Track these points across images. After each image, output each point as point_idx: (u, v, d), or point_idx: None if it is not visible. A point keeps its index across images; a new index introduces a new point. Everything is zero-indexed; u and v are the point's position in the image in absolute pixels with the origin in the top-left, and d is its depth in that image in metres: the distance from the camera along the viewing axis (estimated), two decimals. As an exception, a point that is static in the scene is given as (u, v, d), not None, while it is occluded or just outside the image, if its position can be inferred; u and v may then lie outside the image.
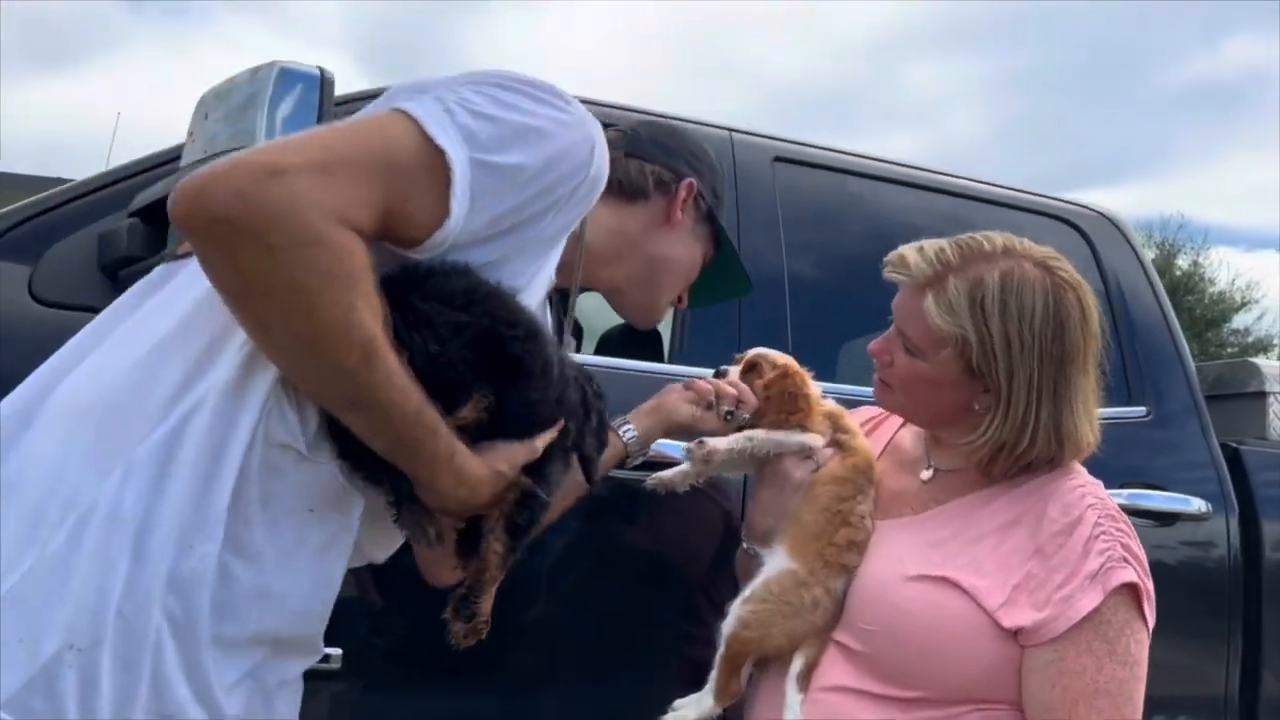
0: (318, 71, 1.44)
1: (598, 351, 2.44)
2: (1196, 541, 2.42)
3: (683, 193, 1.57)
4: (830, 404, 1.63)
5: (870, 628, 1.42)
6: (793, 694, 1.43)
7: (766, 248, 2.26)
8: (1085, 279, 2.53)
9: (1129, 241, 2.75)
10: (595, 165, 1.16)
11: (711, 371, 1.69)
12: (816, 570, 1.46)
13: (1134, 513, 2.30)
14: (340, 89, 1.54)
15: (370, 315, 1.00)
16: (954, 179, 2.64)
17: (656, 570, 1.98)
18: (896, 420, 1.68)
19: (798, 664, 1.44)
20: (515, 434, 1.15)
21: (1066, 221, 2.69)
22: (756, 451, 1.56)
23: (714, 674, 1.48)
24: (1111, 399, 2.43)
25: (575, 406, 1.22)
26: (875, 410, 1.72)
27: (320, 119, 1.42)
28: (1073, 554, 1.38)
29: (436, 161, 1.04)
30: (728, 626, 1.48)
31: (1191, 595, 2.40)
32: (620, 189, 1.51)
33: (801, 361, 2.23)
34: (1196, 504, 2.38)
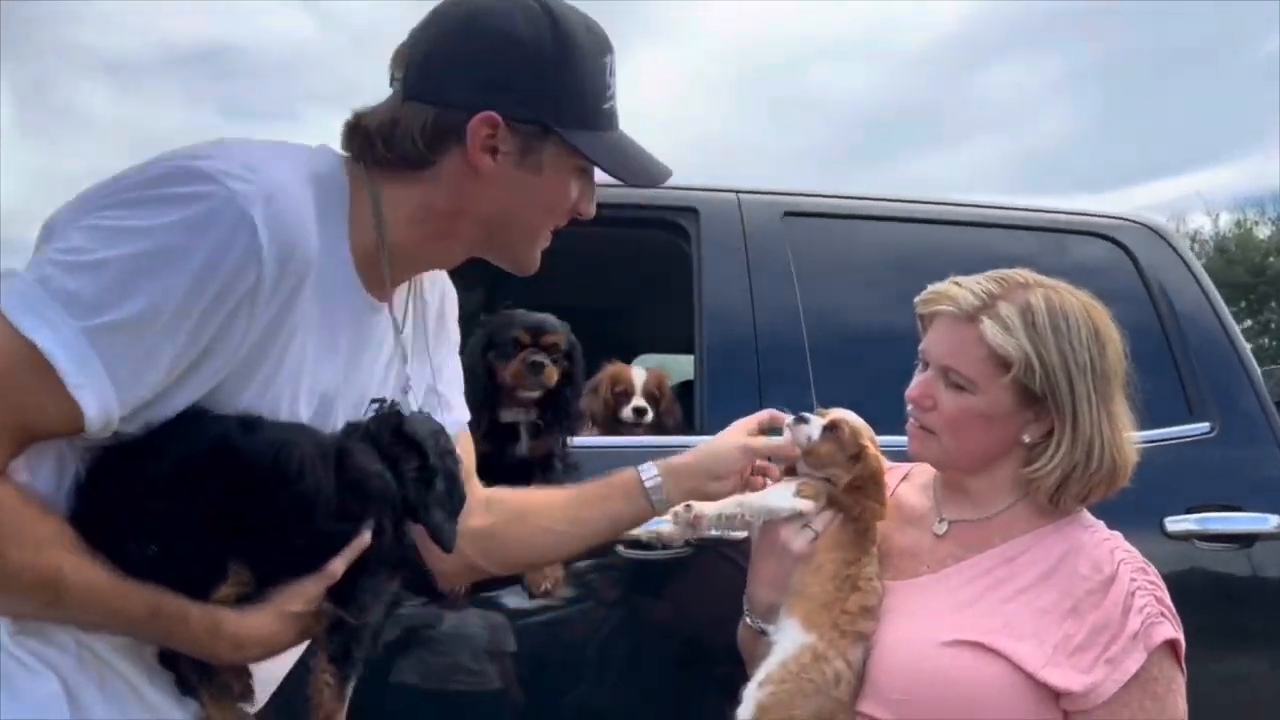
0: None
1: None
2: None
3: (481, 133, 1.15)
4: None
5: (903, 697, 1.37)
6: None
7: (783, 306, 2.24)
8: (1130, 293, 2.48)
9: (1176, 250, 2.63)
10: (267, 244, 0.97)
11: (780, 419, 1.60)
12: (834, 642, 1.41)
13: (1207, 538, 2.19)
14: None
15: (33, 554, 0.93)
16: (979, 209, 2.58)
17: (694, 648, 1.96)
18: (895, 475, 1.64)
19: None
20: (308, 568, 1.07)
21: (1105, 237, 2.60)
22: (748, 517, 1.51)
23: None
24: (1170, 417, 2.33)
25: (391, 497, 1.12)
26: None
27: None
28: (1113, 613, 1.34)
29: (35, 356, 0.90)
30: (746, 712, 1.42)
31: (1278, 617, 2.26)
32: (404, 162, 1.17)
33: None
34: (1274, 521, 2.24)
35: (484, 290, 3.01)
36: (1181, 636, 1.36)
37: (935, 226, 2.50)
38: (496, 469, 1.97)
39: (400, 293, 1.28)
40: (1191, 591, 1.97)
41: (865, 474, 1.50)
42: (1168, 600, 1.38)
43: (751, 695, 1.43)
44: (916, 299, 1.53)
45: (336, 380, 1.17)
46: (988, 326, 1.41)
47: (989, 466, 1.47)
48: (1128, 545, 1.44)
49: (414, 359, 1.33)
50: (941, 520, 1.52)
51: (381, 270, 1.17)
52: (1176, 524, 2.16)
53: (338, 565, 1.08)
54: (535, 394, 2.04)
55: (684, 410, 2.60)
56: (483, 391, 2.09)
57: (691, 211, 2.31)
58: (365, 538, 1.10)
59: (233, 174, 0.97)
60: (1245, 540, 2.22)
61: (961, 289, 1.46)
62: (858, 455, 1.51)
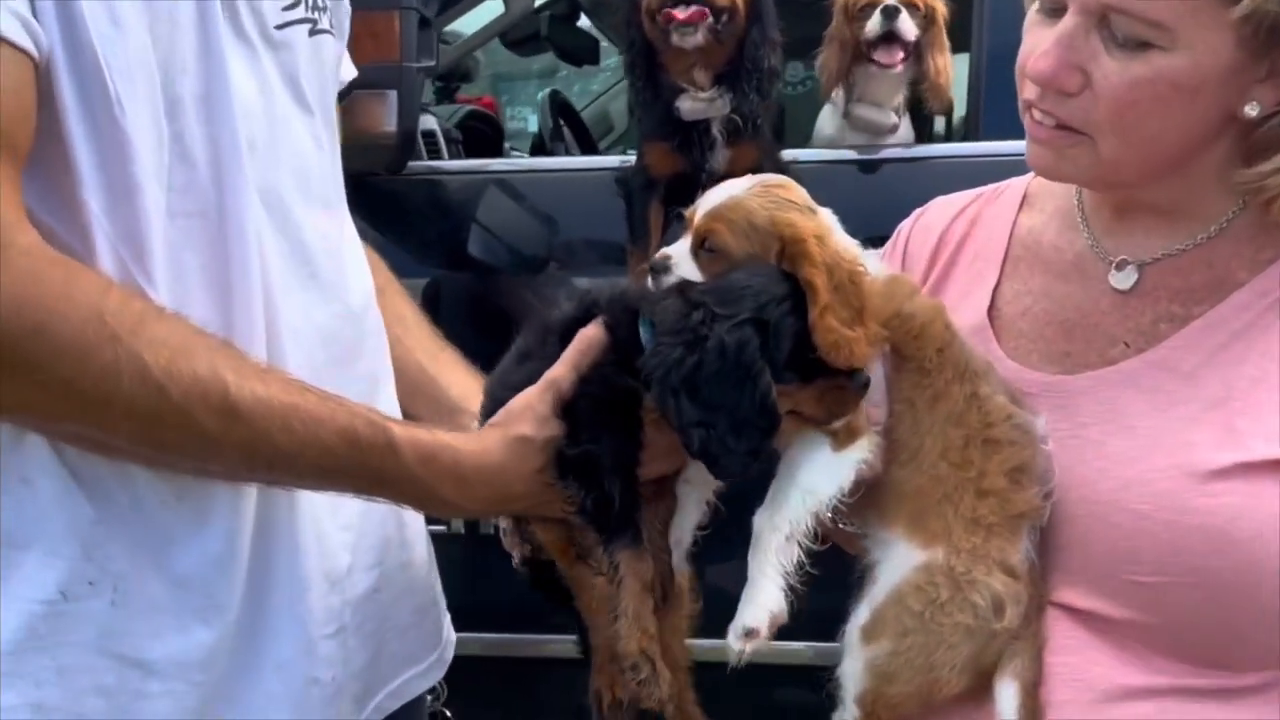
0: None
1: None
2: None
3: None
4: (845, 249, 0.92)
5: (1156, 579, 0.85)
6: None
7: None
8: None
9: None
10: None
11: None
12: (978, 548, 0.88)
13: None
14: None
15: (177, 354, 0.74)
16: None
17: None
18: (1007, 203, 1.06)
19: (1008, 697, 0.87)
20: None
21: None
22: (822, 518, 0.91)
23: None
24: None
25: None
26: (963, 199, 1.10)
27: None
28: None
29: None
30: (856, 681, 0.89)
31: None
32: None
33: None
34: None
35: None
36: None
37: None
38: (691, 190, 1.61)
39: None
40: None
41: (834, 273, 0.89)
42: None
43: (858, 654, 0.89)
44: None
45: None
46: None
47: (1186, 168, 0.91)
48: None
49: None
50: (1124, 266, 0.95)
51: None
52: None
53: (558, 369, 0.91)
54: (698, 36, 1.79)
55: (961, 115, 2.41)
56: (635, 46, 1.88)
57: None
58: (589, 333, 0.92)
59: None
60: None
61: None
62: (784, 249, 0.89)
